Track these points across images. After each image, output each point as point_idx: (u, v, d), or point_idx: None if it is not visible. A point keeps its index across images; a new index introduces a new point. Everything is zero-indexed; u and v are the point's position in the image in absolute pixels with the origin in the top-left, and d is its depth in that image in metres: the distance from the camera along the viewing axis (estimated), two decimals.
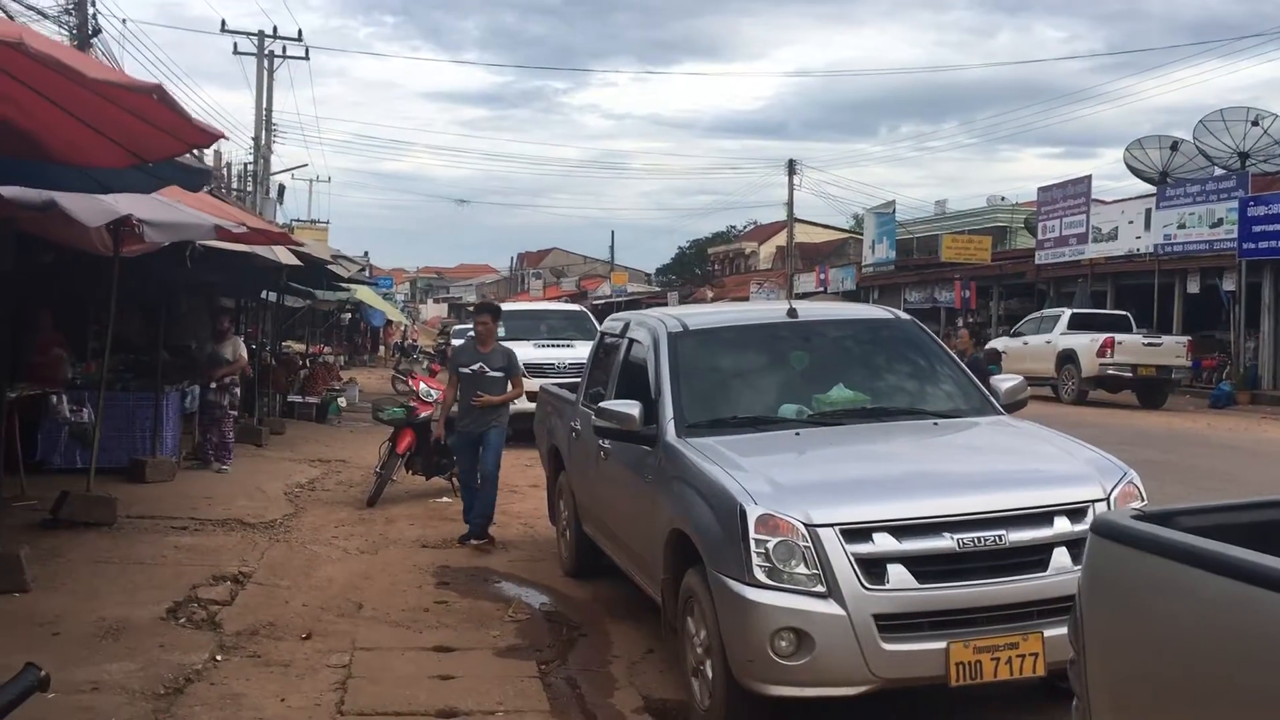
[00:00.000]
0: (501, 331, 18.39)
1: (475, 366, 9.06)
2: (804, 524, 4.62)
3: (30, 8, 16.73)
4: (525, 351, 17.16)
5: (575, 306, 23.06)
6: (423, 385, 11.77)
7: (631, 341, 7.06)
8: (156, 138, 4.29)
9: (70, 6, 18.39)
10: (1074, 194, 32.31)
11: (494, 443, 9.15)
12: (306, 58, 34.16)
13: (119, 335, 13.62)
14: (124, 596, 7.12)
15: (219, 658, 6.05)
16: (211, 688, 5.58)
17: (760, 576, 4.59)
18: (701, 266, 70.12)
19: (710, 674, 4.96)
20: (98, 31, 19.14)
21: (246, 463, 13.05)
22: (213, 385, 12.37)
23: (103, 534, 8.81)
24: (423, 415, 10.90)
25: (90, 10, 18.83)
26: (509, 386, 9.24)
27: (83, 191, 6.52)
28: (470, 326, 21.53)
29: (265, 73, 33.23)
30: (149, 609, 6.86)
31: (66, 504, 8.99)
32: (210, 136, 4.25)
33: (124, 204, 7.72)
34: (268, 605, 7.17)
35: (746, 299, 38.62)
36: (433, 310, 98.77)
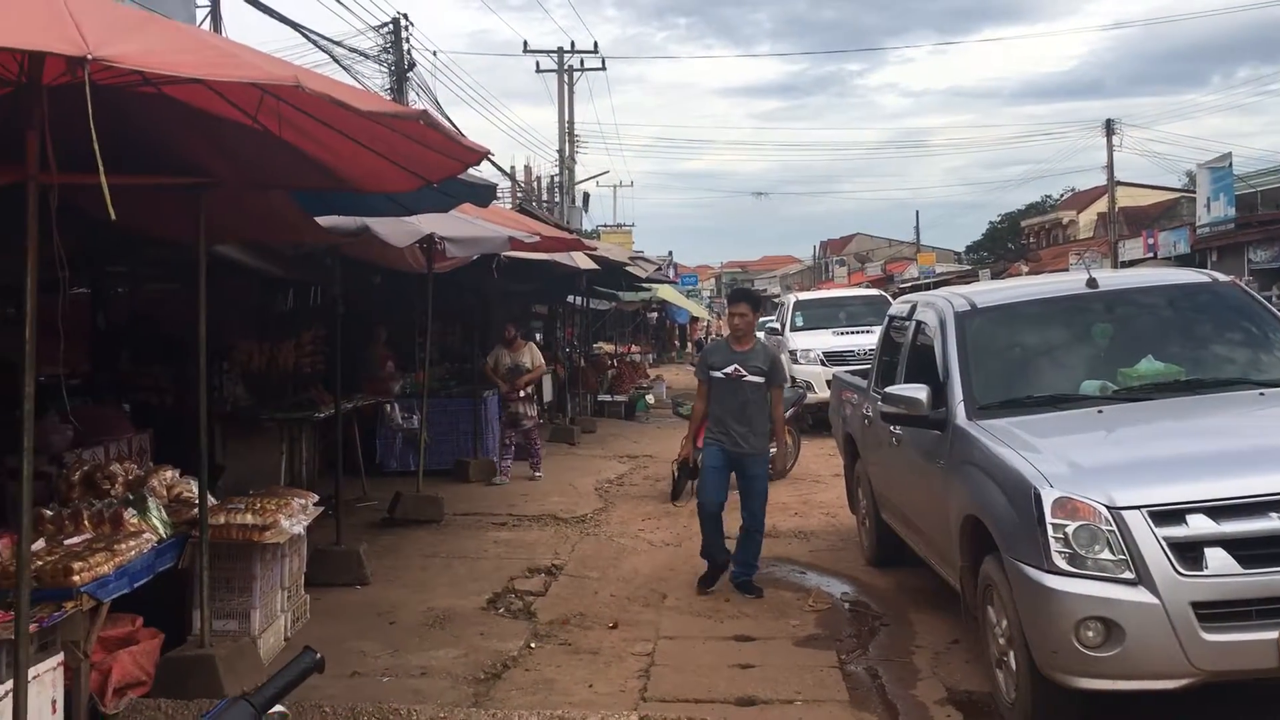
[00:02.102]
0: (800, 320, 18.59)
1: (729, 369, 7.47)
2: (1106, 507, 4.34)
3: (353, 50, 18.40)
4: (824, 340, 17.22)
5: (874, 291, 22.68)
6: None
7: (919, 323, 6.86)
8: (435, 159, 4.63)
9: (387, 45, 20.05)
10: None
11: (759, 483, 7.53)
12: (603, 68, 35.31)
13: (442, 345, 14.72)
14: (450, 588, 7.68)
15: (533, 645, 6.41)
16: (526, 673, 5.93)
17: (1060, 563, 4.35)
18: (1014, 240, 66.64)
19: (1014, 665, 4.77)
20: (412, 65, 20.74)
21: (559, 460, 13.74)
22: (520, 394, 12.31)
23: (431, 530, 9.55)
24: None
25: (405, 47, 20.45)
26: (768, 396, 7.55)
27: (389, 215, 7.11)
28: (772, 319, 21.59)
29: (565, 87, 34.65)
30: (471, 599, 7.37)
31: (400, 504, 9.83)
32: (477, 155, 4.52)
33: (426, 224, 8.33)
34: (578, 596, 7.52)
35: (1065, 271, 36.40)
36: None
